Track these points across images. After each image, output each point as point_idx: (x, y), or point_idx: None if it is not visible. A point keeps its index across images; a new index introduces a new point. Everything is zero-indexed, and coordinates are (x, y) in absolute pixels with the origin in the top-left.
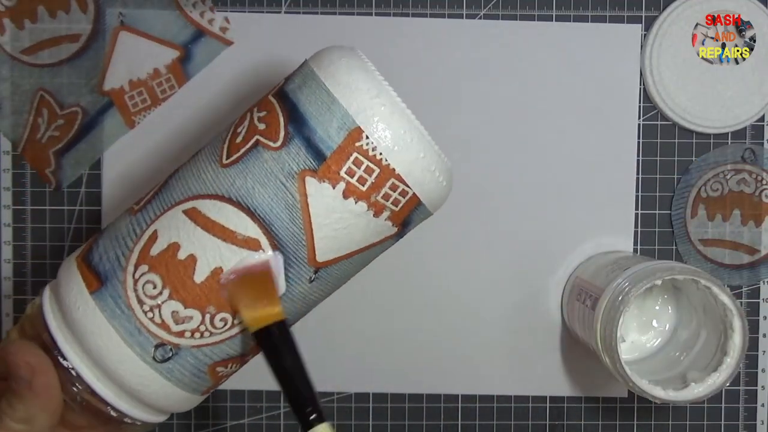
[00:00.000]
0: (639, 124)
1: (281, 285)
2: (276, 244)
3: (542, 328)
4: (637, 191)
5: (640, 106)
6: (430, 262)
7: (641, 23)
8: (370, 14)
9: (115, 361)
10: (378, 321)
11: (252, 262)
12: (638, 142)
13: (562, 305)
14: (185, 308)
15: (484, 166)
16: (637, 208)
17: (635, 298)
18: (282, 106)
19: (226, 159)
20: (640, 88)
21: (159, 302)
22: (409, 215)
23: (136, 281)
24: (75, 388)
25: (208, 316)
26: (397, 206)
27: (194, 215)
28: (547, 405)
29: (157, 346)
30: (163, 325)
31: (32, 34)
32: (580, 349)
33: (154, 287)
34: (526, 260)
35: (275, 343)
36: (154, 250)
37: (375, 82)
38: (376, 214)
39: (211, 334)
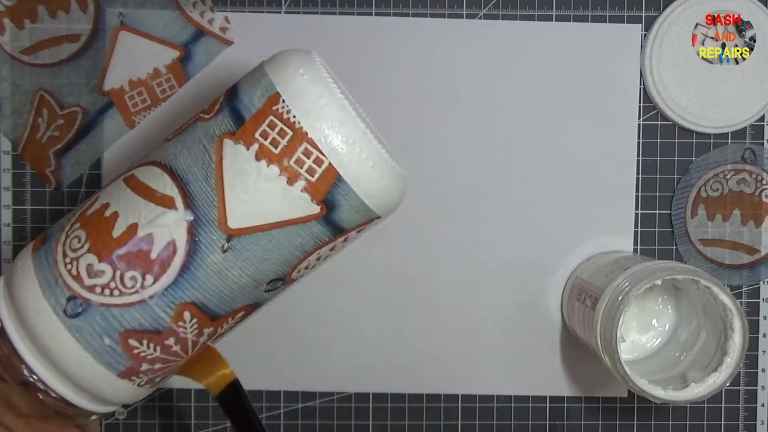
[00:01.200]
0: (639, 124)
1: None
2: (189, 203)
3: (542, 328)
4: (637, 191)
5: (640, 106)
6: (430, 262)
7: (641, 23)
8: (370, 14)
9: (32, 312)
10: (378, 321)
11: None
12: (638, 142)
13: (562, 305)
14: (99, 262)
15: (483, 165)
16: (637, 208)
17: (635, 298)
18: (227, 90)
19: (171, 135)
20: (640, 88)
21: (78, 255)
22: (330, 192)
23: (66, 237)
24: (13, 363)
25: (118, 273)
26: (312, 176)
27: (129, 180)
28: (547, 405)
29: (69, 299)
30: (78, 278)
31: (32, 34)
32: (580, 349)
33: (79, 241)
34: (526, 260)
35: (235, 398)
36: (90, 211)
37: (307, 60)
38: (290, 181)
39: (121, 293)
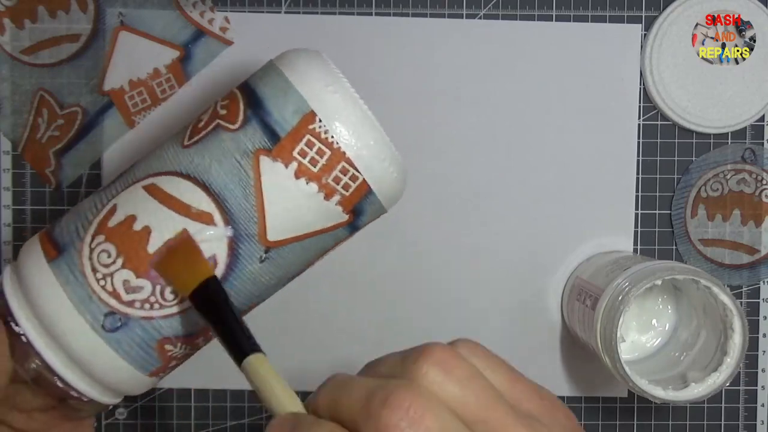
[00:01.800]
0: (639, 124)
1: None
2: (228, 219)
3: (542, 328)
4: (637, 191)
5: (640, 106)
6: (430, 262)
7: (641, 23)
8: (370, 14)
9: (65, 328)
10: (377, 321)
11: (173, 237)
12: (638, 142)
13: (562, 305)
14: (137, 278)
15: (483, 165)
16: (637, 208)
17: (635, 298)
18: (243, 93)
19: (188, 141)
20: (640, 88)
21: (112, 271)
22: (359, 203)
23: (91, 250)
24: (29, 364)
25: (158, 287)
26: (347, 191)
27: (152, 190)
28: None
29: (106, 315)
30: (114, 294)
31: (32, 34)
32: (580, 349)
33: (109, 256)
34: (526, 260)
35: (209, 298)
36: (112, 222)
37: (330, 72)
38: (327, 197)
39: (161, 306)
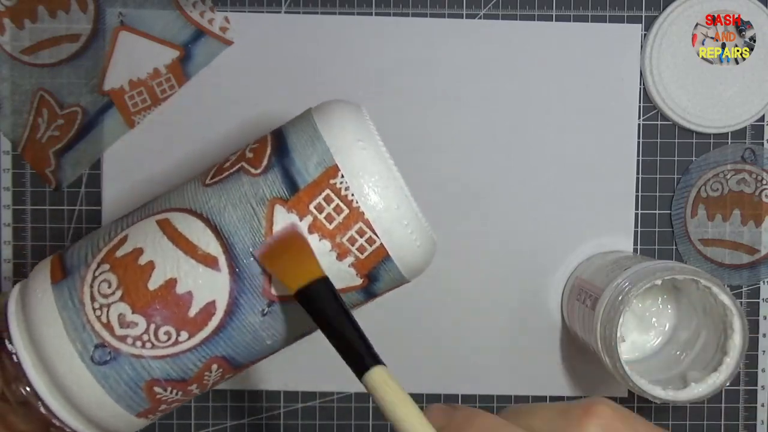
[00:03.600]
0: (639, 124)
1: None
2: (234, 266)
3: (542, 328)
4: (637, 191)
5: (640, 106)
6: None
7: (641, 23)
8: (370, 14)
9: (55, 352)
10: (377, 321)
11: (281, 231)
12: (638, 142)
13: (562, 305)
14: (132, 313)
15: (484, 165)
16: (637, 208)
17: (635, 298)
18: (273, 139)
19: (210, 179)
20: (640, 88)
21: (110, 302)
22: (375, 268)
23: (94, 278)
24: (17, 386)
25: (153, 326)
26: (362, 254)
27: (164, 225)
28: None
29: (97, 346)
30: (108, 326)
31: (32, 34)
32: (580, 349)
33: (109, 286)
34: (526, 260)
35: (320, 300)
36: (120, 252)
37: (364, 128)
38: (340, 257)
39: (153, 345)
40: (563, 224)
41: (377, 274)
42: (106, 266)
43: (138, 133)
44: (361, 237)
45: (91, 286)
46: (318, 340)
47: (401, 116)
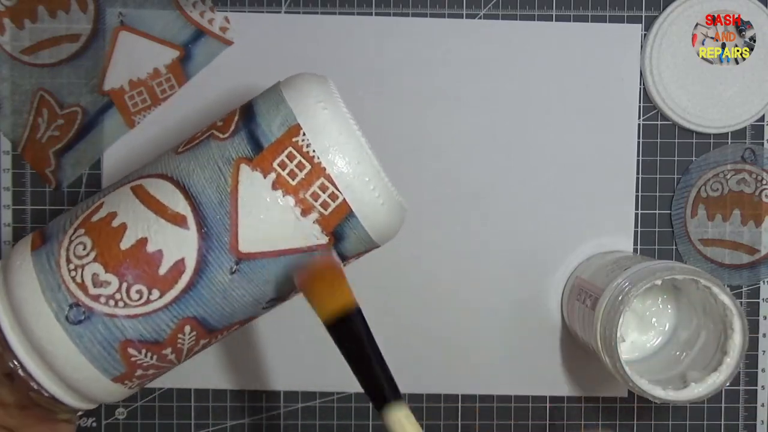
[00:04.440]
0: (639, 124)
1: None
2: (201, 224)
3: (542, 328)
4: (637, 191)
5: (640, 106)
6: (430, 262)
7: (641, 23)
8: (370, 14)
9: (31, 314)
10: (377, 321)
11: (318, 258)
12: (638, 142)
13: (562, 305)
14: (105, 272)
15: (483, 165)
16: (637, 208)
17: (635, 298)
18: (241, 108)
19: (182, 148)
20: (640, 88)
21: (84, 263)
22: (340, 225)
23: (70, 242)
24: (3, 356)
25: (125, 285)
26: (326, 210)
27: (137, 190)
28: (547, 405)
29: (71, 306)
30: (82, 286)
31: (32, 34)
32: (580, 349)
33: (84, 248)
34: (526, 260)
35: (352, 332)
36: (95, 217)
37: (326, 92)
38: (304, 213)
39: (126, 304)
40: (563, 224)
41: (342, 231)
42: (82, 230)
43: (138, 133)
44: (324, 192)
45: (67, 250)
46: (318, 340)
47: (401, 116)
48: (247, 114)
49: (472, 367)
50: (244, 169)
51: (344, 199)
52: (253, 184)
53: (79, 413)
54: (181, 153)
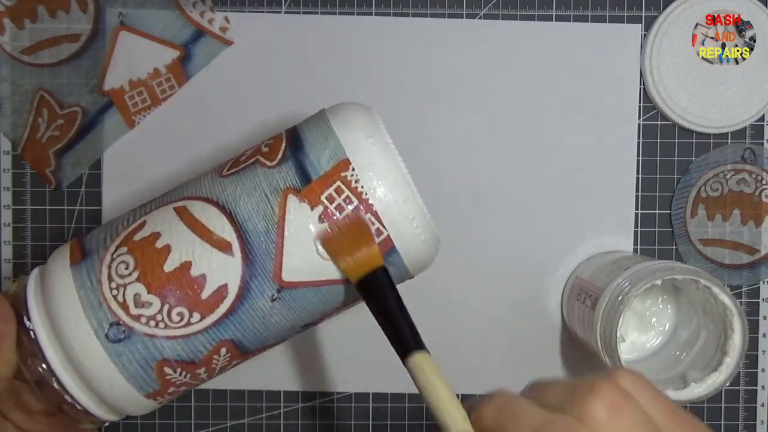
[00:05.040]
0: (639, 124)
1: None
2: (246, 251)
3: (542, 328)
4: (637, 191)
5: (640, 106)
6: None
7: (641, 23)
8: (370, 14)
9: (71, 329)
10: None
11: (345, 215)
12: (638, 142)
13: (562, 305)
14: (148, 293)
15: (484, 165)
16: (637, 208)
17: (635, 298)
18: (288, 135)
19: (226, 171)
20: (640, 88)
21: (126, 282)
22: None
23: (112, 260)
24: (33, 364)
25: (166, 307)
26: None
27: (181, 212)
28: None
29: (112, 324)
30: (124, 305)
31: (32, 34)
32: (580, 349)
33: (127, 268)
34: (526, 260)
35: (377, 288)
36: (138, 236)
37: (374, 126)
38: None
39: (166, 326)
40: (563, 224)
41: None
42: (124, 249)
43: (138, 133)
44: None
45: (109, 267)
46: (317, 340)
47: (401, 116)
48: (294, 142)
49: (472, 367)
50: (292, 199)
51: (388, 235)
52: (299, 216)
53: (106, 423)
54: (226, 177)
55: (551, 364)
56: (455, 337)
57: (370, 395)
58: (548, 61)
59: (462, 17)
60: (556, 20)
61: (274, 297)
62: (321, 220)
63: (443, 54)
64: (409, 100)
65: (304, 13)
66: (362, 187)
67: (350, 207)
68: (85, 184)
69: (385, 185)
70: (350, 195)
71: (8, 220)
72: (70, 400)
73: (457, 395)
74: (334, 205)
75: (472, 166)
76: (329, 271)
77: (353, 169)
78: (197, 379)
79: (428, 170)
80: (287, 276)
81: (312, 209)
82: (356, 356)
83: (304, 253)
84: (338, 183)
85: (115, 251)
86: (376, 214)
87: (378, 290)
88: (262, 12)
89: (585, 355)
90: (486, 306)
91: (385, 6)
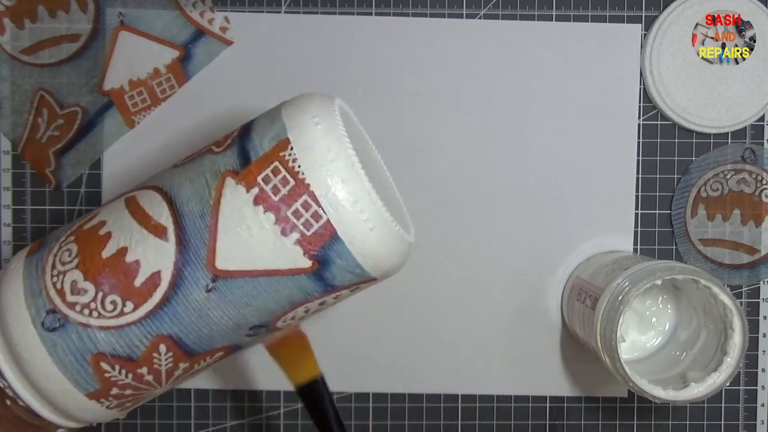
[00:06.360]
0: (639, 124)
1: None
2: (181, 236)
3: (542, 328)
4: (637, 191)
5: (640, 106)
6: (430, 262)
7: (641, 23)
8: (370, 14)
9: (12, 318)
10: (378, 321)
11: (288, 331)
12: (638, 142)
13: (562, 305)
14: (84, 280)
15: (483, 166)
16: (637, 208)
17: (635, 298)
18: (242, 125)
19: (180, 162)
20: (640, 88)
21: (66, 269)
22: (323, 249)
23: (59, 249)
24: None
25: (101, 294)
26: (308, 230)
27: (129, 201)
28: (547, 405)
29: (48, 312)
30: (61, 292)
31: (32, 34)
32: (580, 349)
33: (70, 255)
34: (526, 260)
35: (315, 396)
36: (87, 226)
37: (326, 110)
38: (285, 232)
39: (100, 314)
40: (563, 224)
41: (327, 256)
42: (72, 237)
43: (138, 133)
44: (306, 211)
45: (55, 255)
46: (316, 340)
47: (401, 116)
48: (245, 129)
49: (472, 367)
50: (229, 182)
51: (328, 219)
52: (235, 198)
53: (61, 430)
54: (179, 166)
55: (551, 364)
56: (455, 337)
57: (370, 395)
58: (548, 61)
59: (462, 17)
60: (556, 20)
61: (209, 287)
62: (256, 202)
63: (443, 54)
64: (409, 100)
65: (304, 13)
66: (299, 166)
67: (286, 188)
68: (85, 184)
69: (325, 165)
70: (287, 175)
71: (8, 220)
72: (11, 394)
73: (457, 396)
74: (270, 186)
75: (471, 166)
76: (267, 260)
77: (292, 149)
78: (142, 381)
79: (428, 170)
80: (221, 263)
81: (248, 191)
82: (356, 356)
83: (239, 238)
84: (276, 163)
85: (64, 240)
86: (313, 195)
87: (316, 399)
88: (262, 12)
89: (585, 355)
90: (486, 306)
91: (385, 6)
